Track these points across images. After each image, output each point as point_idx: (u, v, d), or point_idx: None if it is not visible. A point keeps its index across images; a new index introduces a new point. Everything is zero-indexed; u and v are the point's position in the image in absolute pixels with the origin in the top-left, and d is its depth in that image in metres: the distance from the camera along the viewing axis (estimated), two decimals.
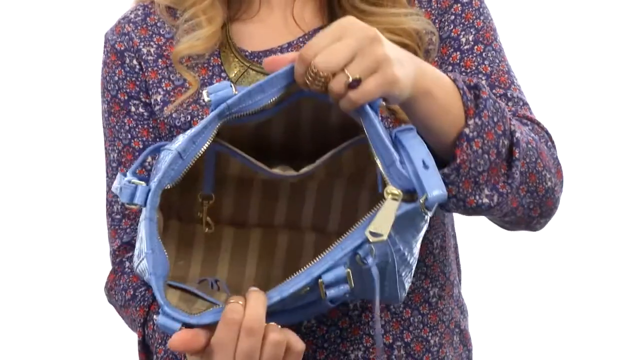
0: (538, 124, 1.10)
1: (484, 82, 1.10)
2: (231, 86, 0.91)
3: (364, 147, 0.94)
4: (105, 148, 1.18)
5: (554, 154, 1.08)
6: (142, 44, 1.16)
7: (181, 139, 0.92)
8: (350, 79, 0.86)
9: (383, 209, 0.86)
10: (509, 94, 1.11)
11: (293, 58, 0.89)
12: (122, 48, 1.16)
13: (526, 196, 1.03)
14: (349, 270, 0.86)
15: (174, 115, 1.12)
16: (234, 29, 1.16)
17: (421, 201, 0.87)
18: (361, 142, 0.96)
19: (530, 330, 2.60)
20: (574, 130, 2.65)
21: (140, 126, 1.15)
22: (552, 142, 1.10)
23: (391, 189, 0.87)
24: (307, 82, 0.88)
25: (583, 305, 2.62)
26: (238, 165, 1.00)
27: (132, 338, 1.13)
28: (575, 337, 2.59)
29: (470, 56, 1.13)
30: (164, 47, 1.16)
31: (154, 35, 1.17)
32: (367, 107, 0.89)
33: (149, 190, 0.89)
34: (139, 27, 1.17)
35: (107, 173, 1.19)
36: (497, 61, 1.13)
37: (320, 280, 0.86)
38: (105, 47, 1.18)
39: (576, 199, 2.64)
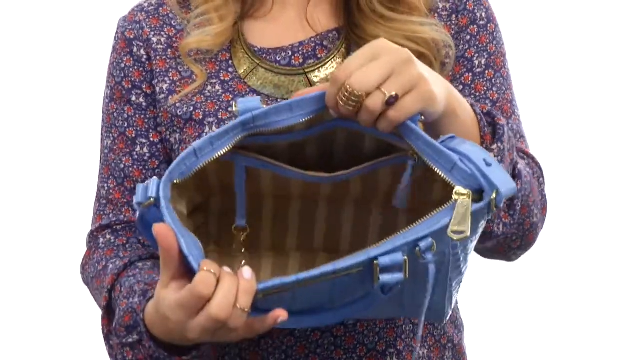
0: (533, 158, 1.11)
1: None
2: (261, 102, 0.91)
3: (400, 169, 0.94)
4: (102, 134, 1.18)
5: (543, 190, 1.10)
6: (152, 33, 1.16)
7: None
8: (387, 96, 0.87)
9: (457, 209, 0.85)
10: (509, 125, 1.12)
11: (325, 87, 0.90)
12: (131, 36, 1.16)
13: (513, 227, 1.05)
14: (406, 258, 0.84)
15: (177, 105, 1.12)
16: (246, 25, 1.16)
17: (492, 197, 0.86)
18: (400, 160, 0.96)
19: (528, 345, 2.60)
20: (571, 130, 2.67)
21: (137, 115, 1.15)
22: (543, 177, 1.11)
23: (459, 189, 0.86)
24: (341, 102, 0.88)
25: (582, 319, 2.63)
26: (270, 178, 0.98)
27: None
28: (573, 351, 2.58)
29: (482, 80, 1.14)
30: (174, 38, 1.16)
31: (165, 26, 1.17)
32: (409, 122, 0.89)
33: (160, 183, 0.88)
34: (150, 17, 1.17)
35: (100, 159, 1.19)
36: (504, 89, 1.15)
37: (375, 262, 0.84)
38: (116, 33, 1.18)
39: (576, 211, 2.65)
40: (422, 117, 0.91)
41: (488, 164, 0.88)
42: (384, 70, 0.87)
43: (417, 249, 0.84)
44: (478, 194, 0.87)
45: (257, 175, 0.98)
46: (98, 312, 1.06)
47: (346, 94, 0.87)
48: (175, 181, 0.89)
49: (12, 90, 2.63)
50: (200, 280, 0.83)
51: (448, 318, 1.00)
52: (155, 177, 0.89)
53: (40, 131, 2.62)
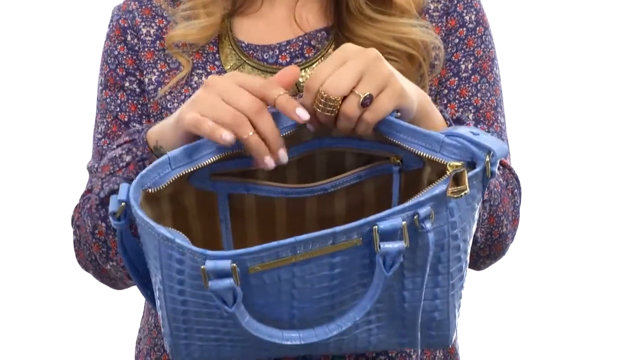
0: (510, 169, 1.11)
1: (472, 115, 1.12)
2: None
3: (384, 182, 0.94)
4: (95, 121, 1.19)
5: (516, 202, 1.10)
6: (143, 24, 1.17)
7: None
8: (362, 98, 0.87)
9: (453, 176, 0.85)
10: (490, 133, 1.12)
11: (300, 101, 0.90)
12: (125, 25, 1.17)
13: (481, 237, 1.05)
14: (405, 223, 0.83)
15: (167, 97, 1.13)
16: (235, 22, 1.16)
17: (487, 160, 0.86)
18: (383, 170, 0.96)
19: (522, 345, 2.60)
20: (571, 130, 2.67)
21: (130, 101, 1.16)
22: (519, 189, 1.12)
23: (453, 163, 0.86)
24: (318, 110, 0.88)
25: (576, 319, 2.64)
26: (253, 202, 0.98)
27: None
28: (567, 351, 2.59)
29: (467, 85, 1.14)
30: (164, 30, 1.17)
31: (156, 17, 1.18)
32: (387, 117, 0.89)
33: (129, 187, 0.87)
34: (143, 7, 1.18)
35: (92, 148, 1.19)
36: (489, 95, 1.14)
37: (375, 228, 0.82)
38: (111, 21, 1.19)
39: (572, 213, 2.65)
40: (399, 113, 0.91)
41: (475, 134, 0.88)
42: (355, 72, 0.87)
43: (416, 216, 0.83)
44: (471, 167, 0.87)
45: (240, 201, 0.97)
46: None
47: (322, 100, 0.87)
48: (150, 190, 0.88)
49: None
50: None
51: (454, 339, 0.97)
52: (125, 183, 0.88)
53: (33, 130, 2.64)
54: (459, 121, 1.01)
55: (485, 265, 1.13)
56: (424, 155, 0.89)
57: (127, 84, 1.16)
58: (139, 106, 1.16)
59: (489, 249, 1.09)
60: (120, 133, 1.15)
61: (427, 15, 1.14)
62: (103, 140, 1.16)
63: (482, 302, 2.53)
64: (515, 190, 1.10)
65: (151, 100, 1.14)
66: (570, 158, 2.67)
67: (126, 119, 1.15)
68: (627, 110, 2.71)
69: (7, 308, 2.60)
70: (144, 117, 1.15)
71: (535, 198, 2.32)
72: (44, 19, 2.63)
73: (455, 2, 1.14)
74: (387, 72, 0.88)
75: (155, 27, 1.17)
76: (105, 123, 1.17)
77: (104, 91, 1.17)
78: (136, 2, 1.19)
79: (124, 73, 1.16)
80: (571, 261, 2.68)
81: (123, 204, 0.86)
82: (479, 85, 1.14)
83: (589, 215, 2.69)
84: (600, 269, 2.67)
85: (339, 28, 1.12)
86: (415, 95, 0.93)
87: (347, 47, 0.90)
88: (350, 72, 0.87)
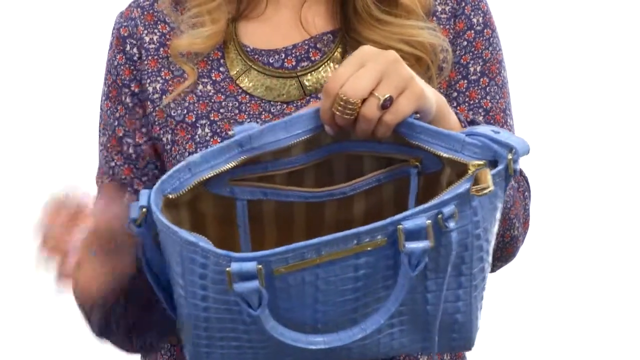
0: (520, 171, 1.10)
1: (481, 117, 1.12)
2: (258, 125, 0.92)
3: (403, 184, 0.93)
4: (99, 131, 1.18)
5: (527, 204, 1.10)
6: (146, 31, 1.16)
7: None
8: (382, 100, 0.86)
9: (476, 175, 0.85)
10: None
11: (319, 104, 0.90)
12: (125, 34, 1.16)
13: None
14: (429, 222, 0.82)
15: (172, 106, 1.12)
16: (240, 26, 1.15)
17: (509, 157, 0.85)
18: (402, 173, 0.95)
19: (529, 347, 2.59)
20: (579, 132, 2.67)
21: (127, 115, 1.15)
22: (529, 191, 1.12)
23: (475, 162, 0.86)
24: (337, 113, 0.87)
25: (583, 320, 2.64)
26: (272, 207, 0.97)
27: None
28: (573, 352, 2.59)
29: (476, 88, 1.13)
30: (167, 36, 1.15)
31: (159, 23, 1.16)
32: (407, 118, 0.88)
33: (150, 192, 0.87)
34: (145, 13, 1.17)
35: (98, 156, 1.19)
36: (498, 97, 1.14)
37: (399, 227, 0.82)
38: (113, 29, 1.18)
39: (582, 216, 2.64)
40: (418, 115, 0.90)
41: (496, 132, 0.87)
42: (374, 74, 0.86)
43: (440, 215, 0.83)
44: (493, 165, 0.86)
45: (258, 208, 0.96)
46: None
47: (341, 103, 0.86)
48: (170, 196, 0.88)
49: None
50: None
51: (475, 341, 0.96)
52: (146, 189, 0.87)
53: (40, 135, 2.64)
54: (473, 123, 1.01)
55: (496, 267, 1.12)
56: (445, 155, 0.89)
57: (123, 97, 1.15)
58: (133, 120, 1.15)
59: (501, 251, 1.08)
60: (119, 148, 1.15)
61: (434, 18, 1.14)
62: (103, 152, 1.16)
63: (490, 305, 2.52)
64: (526, 193, 1.11)
65: (156, 108, 1.13)
66: (579, 160, 2.67)
67: (121, 134, 1.15)
68: (636, 111, 2.70)
69: (11, 310, 2.60)
70: (136, 131, 1.14)
71: (544, 200, 2.31)
72: (50, 22, 2.63)
73: (463, 4, 1.14)
74: (406, 74, 0.88)
75: (158, 34, 1.15)
76: (106, 135, 1.16)
77: (105, 102, 1.17)
78: (139, 9, 1.17)
79: (121, 84, 1.15)
80: (579, 263, 2.67)
81: (144, 209, 0.85)
82: (488, 88, 1.13)
83: (598, 218, 2.69)
84: (605, 270, 2.67)
85: (346, 31, 1.12)
86: (434, 97, 0.92)
87: (365, 50, 0.89)
88: (370, 74, 0.86)
